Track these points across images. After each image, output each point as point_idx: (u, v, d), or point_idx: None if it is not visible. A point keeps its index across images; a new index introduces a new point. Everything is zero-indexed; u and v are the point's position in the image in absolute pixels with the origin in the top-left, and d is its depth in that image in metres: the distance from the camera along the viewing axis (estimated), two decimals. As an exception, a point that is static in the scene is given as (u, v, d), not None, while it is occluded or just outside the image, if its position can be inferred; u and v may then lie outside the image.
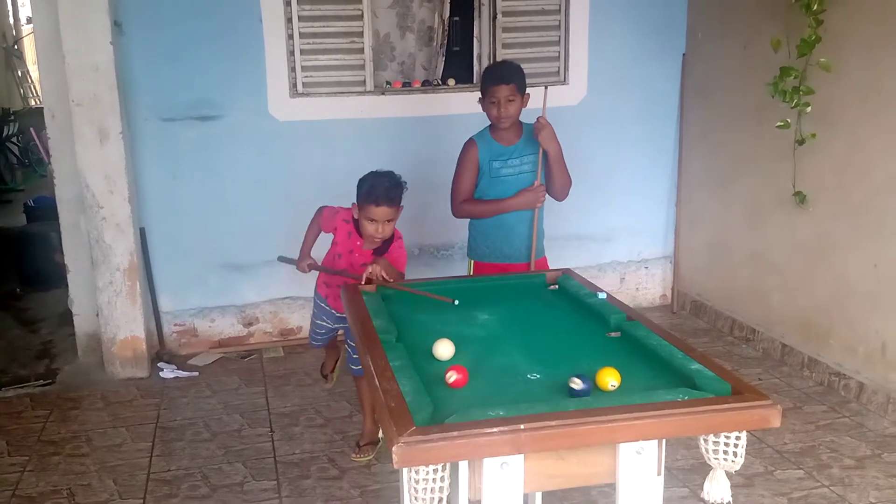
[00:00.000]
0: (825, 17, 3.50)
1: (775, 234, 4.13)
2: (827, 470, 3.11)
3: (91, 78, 3.83)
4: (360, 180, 2.92)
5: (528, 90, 3.16)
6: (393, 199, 2.86)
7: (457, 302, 2.49)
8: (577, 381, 1.78)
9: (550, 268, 3.21)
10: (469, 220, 3.34)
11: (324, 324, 3.30)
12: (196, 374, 4.17)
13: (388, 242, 3.01)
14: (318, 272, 3.17)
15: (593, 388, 1.81)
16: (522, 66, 3.22)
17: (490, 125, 3.21)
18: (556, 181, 3.21)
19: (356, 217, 2.96)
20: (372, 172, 2.93)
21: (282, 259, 3.18)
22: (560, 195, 3.28)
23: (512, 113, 3.10)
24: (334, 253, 3.09)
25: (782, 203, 4.01)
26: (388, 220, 2.89)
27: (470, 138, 3.23)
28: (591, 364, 1.94)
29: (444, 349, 2.05)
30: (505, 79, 3.07)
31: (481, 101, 3.18)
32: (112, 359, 4.12)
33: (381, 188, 2.84)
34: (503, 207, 3.20)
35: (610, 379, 1.83)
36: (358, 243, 3.02)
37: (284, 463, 3.26)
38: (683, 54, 4.77)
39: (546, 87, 3.19)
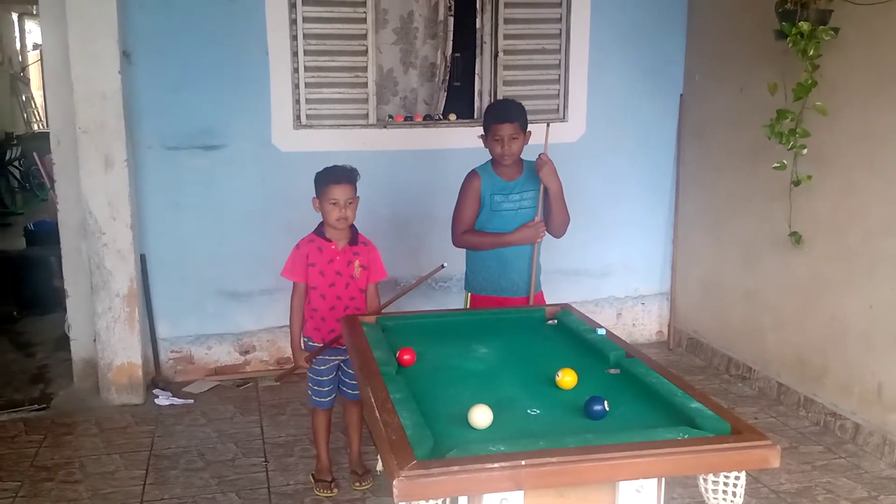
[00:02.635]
0: (820, 63, 3.57)
1: (771, 273, 4.17)
2: (823, 511, 3.10)
3: (98, 106, 3.87)
4: (316, 175, 3.07)
5: (529, 127, 3.21)
6: (350, 179, 3.04)
7: (445, 265, 2.92)
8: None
9: (547, 302, 3.23)
10: (467, 252, 3.36)
11: (323, 367, 3.22)
12: (191, 401, 4.15)
13: (356, 234, 3.13)
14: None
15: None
16: (523, 102, 3.28)
17: (492, 159, 3.26)
18: (555, 218, 3.25)
19: (318, 209, 3.08)
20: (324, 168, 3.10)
21: (279, 379, 3.22)
22: (558, 232, 3.32)
23: (515, 150, 3.15)
24: (317, 272, 3.12)
25: (778, 243, 4.05)
26: (349, 202, 3.02)
27: (473, 170, 3.28)
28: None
29: (480, 417, 1.86)
30: (509, 117, 3.12)
31: (483, 137, 3.23)
32: (108, 385, 4.11)
33: (337, 169, 3.05)
34: (503, 241, 3.23)
35: (566, 378, 2.11)
36: (332, 247, 3.10)
37: (279, 494, 3.23)
38: (681, 94, 4.85)
39: (548, 125, 3.24)
